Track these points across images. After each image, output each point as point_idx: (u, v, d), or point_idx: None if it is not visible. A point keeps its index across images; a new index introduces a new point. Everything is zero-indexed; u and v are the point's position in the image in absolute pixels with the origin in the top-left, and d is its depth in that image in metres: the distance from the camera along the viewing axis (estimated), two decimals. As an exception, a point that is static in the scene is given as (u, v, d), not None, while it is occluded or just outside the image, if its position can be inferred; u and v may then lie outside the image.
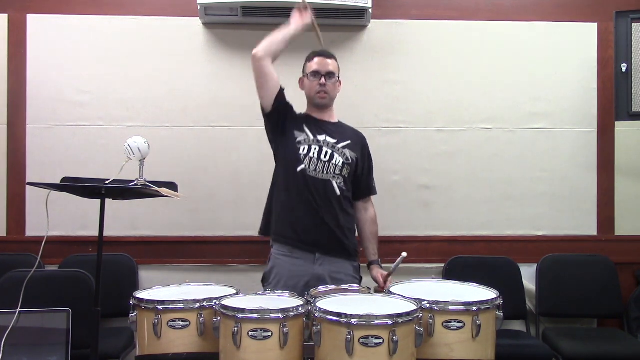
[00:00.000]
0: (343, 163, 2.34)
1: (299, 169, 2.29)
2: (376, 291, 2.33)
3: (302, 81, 2.41)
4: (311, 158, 2.30)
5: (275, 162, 2.42)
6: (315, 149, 2.32)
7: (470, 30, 3.19)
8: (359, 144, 2.45)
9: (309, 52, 2.41)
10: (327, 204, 2.30)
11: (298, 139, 2.33)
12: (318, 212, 2.29)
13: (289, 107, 2.36)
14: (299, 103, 2.43)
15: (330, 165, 2.32)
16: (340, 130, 2.42)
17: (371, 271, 2.44)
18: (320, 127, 2.38)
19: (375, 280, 2.38)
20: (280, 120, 2.34)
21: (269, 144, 2.43)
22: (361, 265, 2.44)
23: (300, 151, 2.30)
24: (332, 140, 2.35)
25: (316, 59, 2.35)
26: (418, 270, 3.06)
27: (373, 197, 2.54)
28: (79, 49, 3.09)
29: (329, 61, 2.35)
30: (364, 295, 1.94)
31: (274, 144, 2.42)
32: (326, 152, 2.32)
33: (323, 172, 2.31)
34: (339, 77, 2.40)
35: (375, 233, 2.49)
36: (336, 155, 2.33)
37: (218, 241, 3.09)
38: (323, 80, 2.33)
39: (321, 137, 2.35)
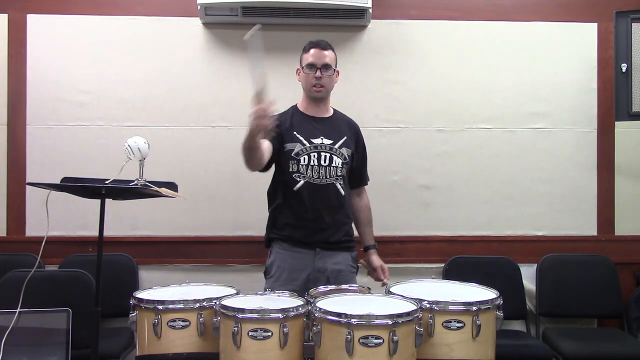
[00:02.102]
0: (342, 163, 2.33)
1: (296, 187, 2.27)
2: (368, 273, 2.45)
3: (299, 72, 2.36)
4: (312, 166, 2.27)
5: (272, 180, 2.40)
6: (314, 156, 2.28)
7: (470, 30, 3.18)
8: (354, 137, 2.43)
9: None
10: (332, 206, 2.32)
11: (294, 151, 2.28)
12: (324, 216, 2.30)
13: (278, 140, 2.28)
14: (293, 101, 2.44)
15: (331, 168, 2.30)
16: (335, 127, 2.39)
17: (369, 255, 2.47)
18: (313, 127, 2.34)
19: (374, 267, 2.44)
20: (274, 158, 2.30)
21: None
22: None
23: (302, 162, 2.26)
24: (328, 142, 2.32)
25: (312, 51, 2.29)
26: (418, 270, 3.06)
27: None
28: (79, 49, 3.09)
29: (326, 52, 2.29)
30: (364, 295, 1.94)
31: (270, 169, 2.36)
32: (325, 157, 2.29)
33: (326, 177, 2.29)
34: (336, 68, 2.35)
35: (371, 219, 2.53)
36: (335, 158, 2.31)
37: (218, 241, 3.09)
38: (319, 73, 2.28)
39: (317, 141, 2.30)
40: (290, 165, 2.28)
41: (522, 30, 3.19)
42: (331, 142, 2.33)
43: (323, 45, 2.31)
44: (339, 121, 2.43)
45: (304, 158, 2.28)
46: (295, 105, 2.42)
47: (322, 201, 2.29)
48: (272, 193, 2.39)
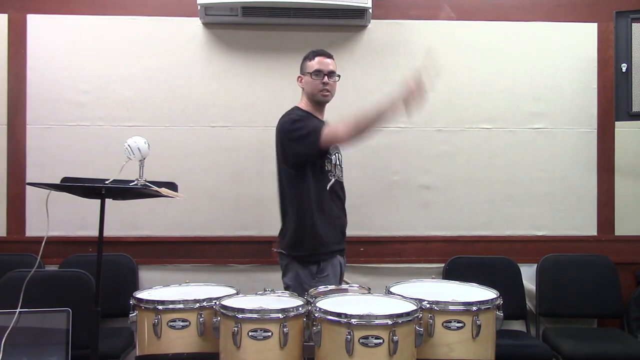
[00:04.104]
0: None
1: (328, 186, 2.31)
2: None
3: (301, 79, 2.40)
4: (336, 165, 2.36)
5: (295, 182, 2.29)
6: (336, 155, 2.38)
7: (470, 30, 3.18)
8: None
9: (305, 52, 2.42)
10: (344, 204, 2.41)
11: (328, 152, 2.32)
12: (345, 214, 2.40)
13: None
14: (293, 101, 2.45)
15: (342, 167, 2.41)
16: None
17: None
18: None
19: None
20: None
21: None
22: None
23: (332, 161, 2.33)
24: None
25: (317, 59, 2.36)
26: (418, 270, 3.06)
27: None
28: (79, 49, 3.09)
29: (329, 60, 2.37)
30: (364, 295, 1.94)
31: (297, 171, 2.28)
32: (339, 157, 2.41)
33: (341, 175, 2.39)
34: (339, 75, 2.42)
35: None
36: (341, 157, 2.42)
37: (218, 241, 3.09)
38: (326, 79, 2.34)
39: None
40: (326, 164, 2.32)
41: (522, 30, 3.19)
42: None
43: (327, 54, 2.39)
44: None
45: (333, 157, 2.35)
46: (299, 107, 2.39)
47: (343, 199, 2.40)
48: (295, 204, 2.29)
